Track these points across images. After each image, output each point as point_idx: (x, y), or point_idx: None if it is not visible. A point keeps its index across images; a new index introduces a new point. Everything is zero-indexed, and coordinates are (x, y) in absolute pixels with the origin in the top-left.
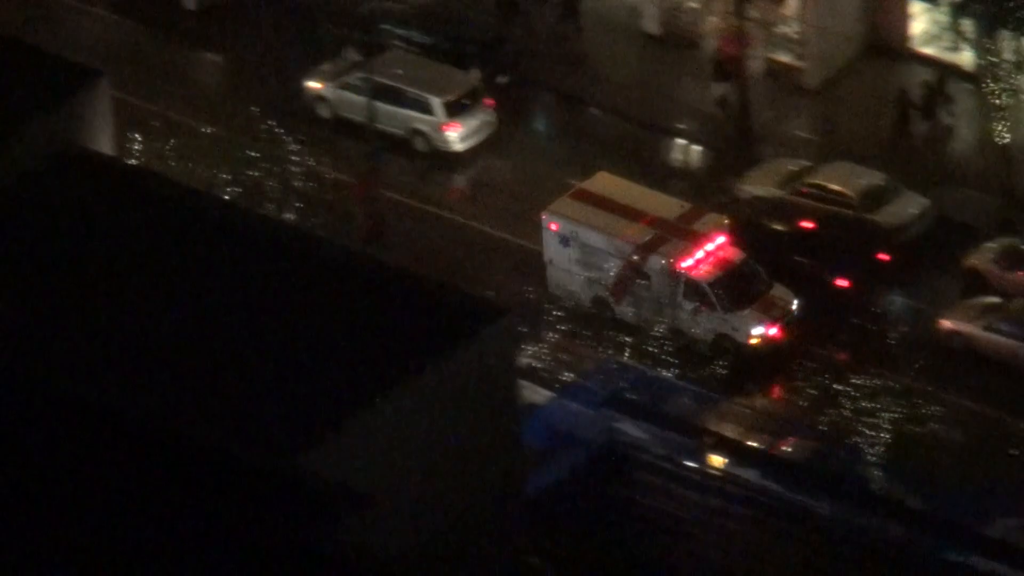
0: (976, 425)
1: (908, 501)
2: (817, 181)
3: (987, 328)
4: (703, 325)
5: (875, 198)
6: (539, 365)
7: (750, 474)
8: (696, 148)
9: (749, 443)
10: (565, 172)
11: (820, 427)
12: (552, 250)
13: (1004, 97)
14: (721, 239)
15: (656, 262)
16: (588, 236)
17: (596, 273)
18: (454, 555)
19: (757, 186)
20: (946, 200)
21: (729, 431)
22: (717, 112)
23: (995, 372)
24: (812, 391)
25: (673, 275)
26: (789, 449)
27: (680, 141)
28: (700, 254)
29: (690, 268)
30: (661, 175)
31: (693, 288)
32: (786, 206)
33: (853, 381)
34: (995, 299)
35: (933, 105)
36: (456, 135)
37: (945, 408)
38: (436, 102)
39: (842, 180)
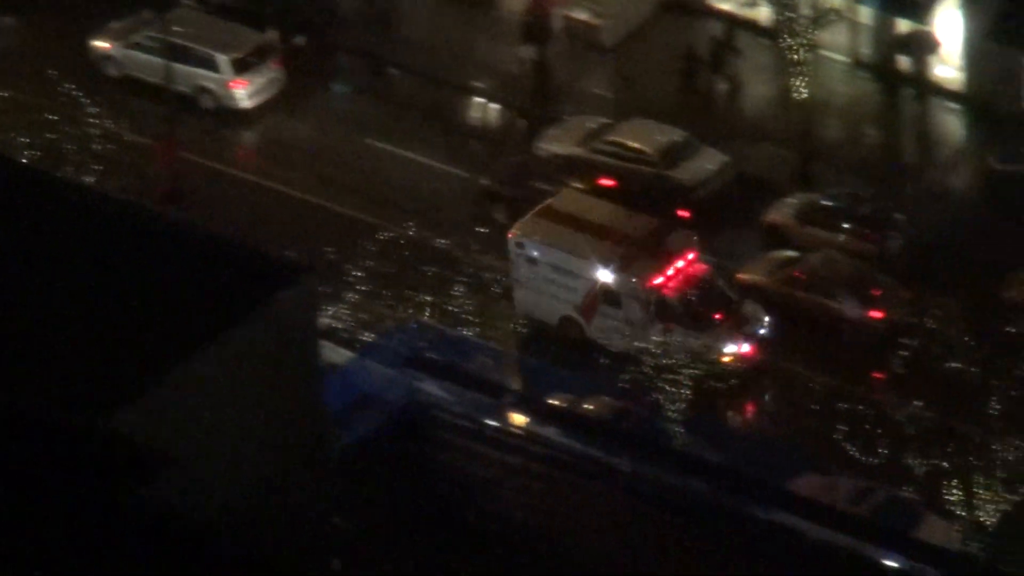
0: (777, 380)
1: (709, 456)
2: (616, 138)
3: (782, 283)
4: (674, 344)
5: (674, 155)
6: (340, 325)
7: (551, 432)
8: (497, 107)
9: (550, 401)
10: (364, 133)
11: (621, 384)
12: (519, 270)
13: (801, 52)
14: (691, 256)
15: (625, 281)
16: (556, 256)
17: (565, 293)
18: (259, 516)
19: (557, 144)
20: (745, 156)
21: (528, 389)
22: (520, 72)
23: (794, 326)
24: (613, 349)
25: (643, 294)
26: (590, 407)
27: (481, 100)
28: (670, 272)
29: (660, 287)
30: (461, 135)
31: (663, 307)
32: (586, 164)
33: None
34: (792, 253)
35: (721, 60)
36: (243, 92)
37: (745, 363)
38: (222, 59)
39: (641, 137)
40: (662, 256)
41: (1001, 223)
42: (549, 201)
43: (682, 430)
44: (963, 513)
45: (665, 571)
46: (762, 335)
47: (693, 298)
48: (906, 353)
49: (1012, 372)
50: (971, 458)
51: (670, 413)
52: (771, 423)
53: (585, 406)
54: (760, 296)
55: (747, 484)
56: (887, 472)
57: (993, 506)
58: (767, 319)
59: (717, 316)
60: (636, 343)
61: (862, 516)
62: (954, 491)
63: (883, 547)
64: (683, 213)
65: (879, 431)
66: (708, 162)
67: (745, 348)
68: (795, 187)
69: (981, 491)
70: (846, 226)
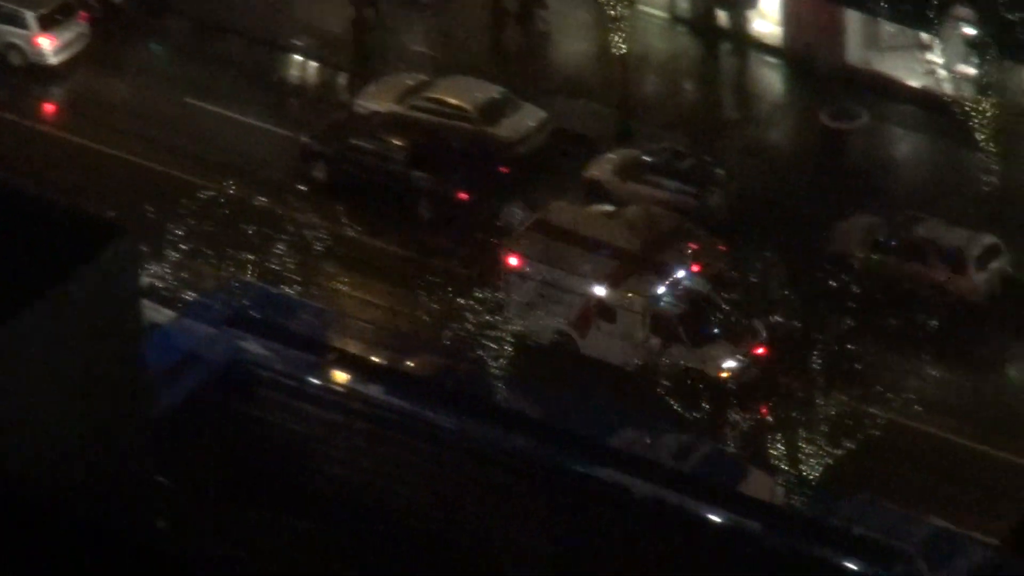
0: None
1: (531, 413)
2: (435, 95)
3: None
4: (670, 360)
5: (493, 111)
6: (161, 284)
7: (374, 390)
8: (316, 66)
9: (373, 359)
10: (183, 91)
11: (444, 341)
12: (511, 284)
13: (619, 8)
14: (687, 270)
15: (621, 296)
16: (549, 270)
17: (558, 308)
18: (82, 476)
19: (376, 101)
20: (564, 112)
21: (352, 347)
22: (341, 30)
23: None
24: (435, 306)
25: (639, 309)
26: (413, 364)
27: (300, 59)
28: (667, 286)
29: (657, 301)
30: (281, 93)
31: (660, 322)
32: (404, 121)
33: (476, 295)
34: (608, 207)
35: (529, 13)
36: (50, 48)
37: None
38: (29, 15)
39: (459, 94)
40: (658, 270)
41: (827, 178)
42: (540, 214)
43: (505, 387)
44: (787, 467)
45: (487, 527)
46: (761, 351)
47: (691, 312)
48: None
49: (835, 326)
50: (794, 412)
51: (493, 370)
52: (593, 379)
53: (408, 363)
54: None
55: (570, 440)
56: (709, 426)
57: (816, 460)
58: (764, 334)
59: (715, 331)
60: (632, 358)
61: (685, 471)
62: (777, 445)
63: (707, 502)
64: (503, 169)
65: (701, 386)
66: (527, 118)
67: (743, 364)
68: (615, 143)
69: (804, 445)
70: (666, 181)
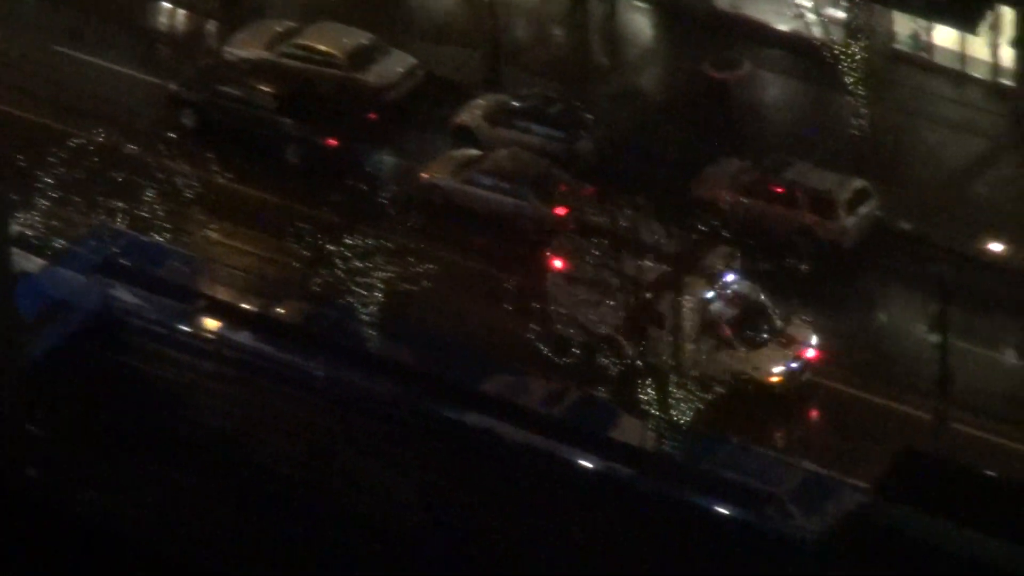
0: (469, 281)
1: (402, 358)
2: (304, 42)
3: (464, 181)
4: (720, 364)
5: (362, 57)
6: (31, 232)
7: (244, 337)
8: (184, 13)
9: (243, 306)
10: (51, 39)
11: (314, 288)
12: (556, 289)
13: None
14: (735, 273)
15: (668, 299)
16: (593, 273)
17: (604, 312)
18: None
19: (245, 48)
20: (433, 58)
21: (222, 295)
22: None
23: (483, 226)
24: (306, 252)
25: (688, 314)
26: (283, 311)
27: (168, 6)
28: (715, 290)
29: (705, 305)
30: (150, 41)
31: (709, 326)
32: (273, 68)
33: (346, 241)
34: (473, 151)
35: None
36: None
37: (437, 265)
38: None
39: (328, 40)
40: (704, 273)
41: (699, 125)
42: (582, 216)
43: (375, 333)
44: (657, 412)
45: (358, 474)
46: (810, 355)
47: (739, 316)
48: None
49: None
50: (664, 358)
51: (363, 316)
52: (465, 324)
53: (278, 310)
54: (444, 194)
55: (440, 386)
56: (580, 372)
57: (687, 405)
58: (815, 339)
59: (764, 335)
60: (680, 362)
61: (556, 417)
62: (647, 391)
63: (577, 447)
64: (372, 116)
65: (571, 331)
66: (396, 64)
67: (795, 368)
68: (485, 88)
69: (675, 390)
70: (535, 127)
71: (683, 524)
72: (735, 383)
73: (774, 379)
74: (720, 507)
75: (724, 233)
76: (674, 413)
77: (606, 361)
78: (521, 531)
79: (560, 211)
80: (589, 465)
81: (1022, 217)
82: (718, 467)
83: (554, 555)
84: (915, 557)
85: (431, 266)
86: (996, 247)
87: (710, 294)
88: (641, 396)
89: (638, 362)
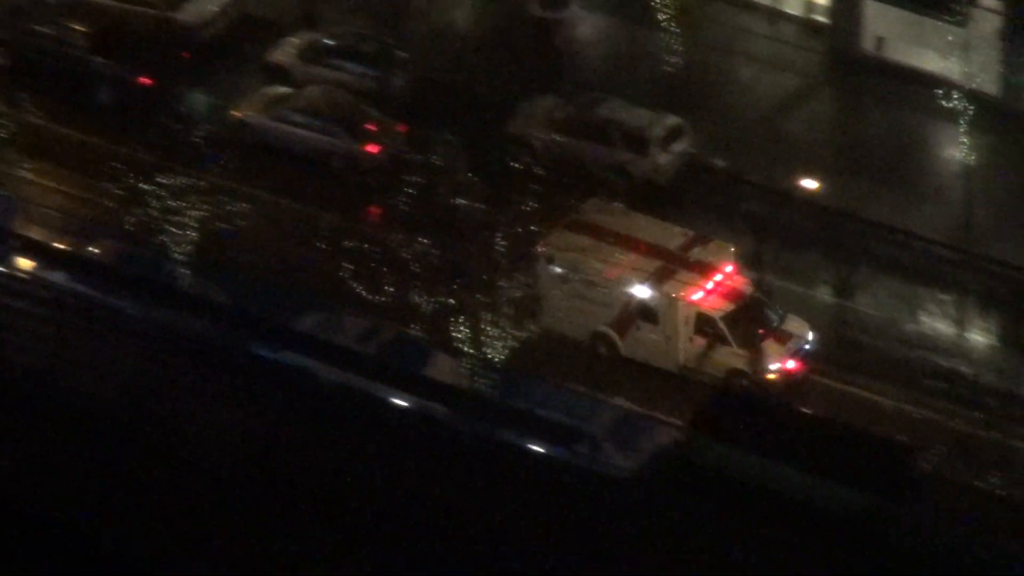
0: (283, 219)
1: (215, 297)
2: None
3: (276, 118)
4: (715, 361)
5: None
6: None
7: (58, 276)
8: None
9: (56, 245)
10: None
11: (127, 227)
12: (547, 284)
13: None
14: (729, 269)
15: (663, 296)
16: (587, 270)
17: (598, 308)
18: None
19: None
20: None
21: (35, 234)
22: None
23: (297, 165)
24: (119, 192)
25: (682, 309)
26: (96, 251)
27: None
28: (709, 286)
29: (700, 301)
30: None
31: (704, 322)
32: (87, 6)
33: (159, 180)
34: (285, 89)
35: None
36: None
37: (251, 204)
38: None
39: None
40: (699, 269)
41: (516, 63)
42: (575, 213)
43: (189, 272)
44: (471, 350)
45: (173, 413)
46: (808, 351)
47: (735, 313)
48: (410, 190)
49: (515, 207)
50: (478, 295)
51: (177, 255)
52: (279, 263)
53: (91, 249)
54: (256, 132)
55: (255, 325)
56: (394, 310)
57: (501, 343)
58: (811, 335)
59: (760, 332)
60: (676, 360)
61: (369, 355)
62: (461, 328)
63: (391, 386)
64: (184, 54)
65: (385, 268)
66: (210, 3)
67: (791, 365)
68: (299, 27)
69: (488, 328)
70: (347, 64)
71: (497, 462)
72: (731, 380)
73: (771, 376)
74: (534, 445)
75: (538, 171)
76: (488, 351)
77: (420, 300)
78: (335, 468)
79: (371, 149)
80: (403, 403)
81: (834, 154)
82: (532, 405)
83: (368, 491)
84: (730, 493)
85: (245, 205)
86: (809, 184)
87: (709, 287)
88: (455, 335)
89: (451, 301)
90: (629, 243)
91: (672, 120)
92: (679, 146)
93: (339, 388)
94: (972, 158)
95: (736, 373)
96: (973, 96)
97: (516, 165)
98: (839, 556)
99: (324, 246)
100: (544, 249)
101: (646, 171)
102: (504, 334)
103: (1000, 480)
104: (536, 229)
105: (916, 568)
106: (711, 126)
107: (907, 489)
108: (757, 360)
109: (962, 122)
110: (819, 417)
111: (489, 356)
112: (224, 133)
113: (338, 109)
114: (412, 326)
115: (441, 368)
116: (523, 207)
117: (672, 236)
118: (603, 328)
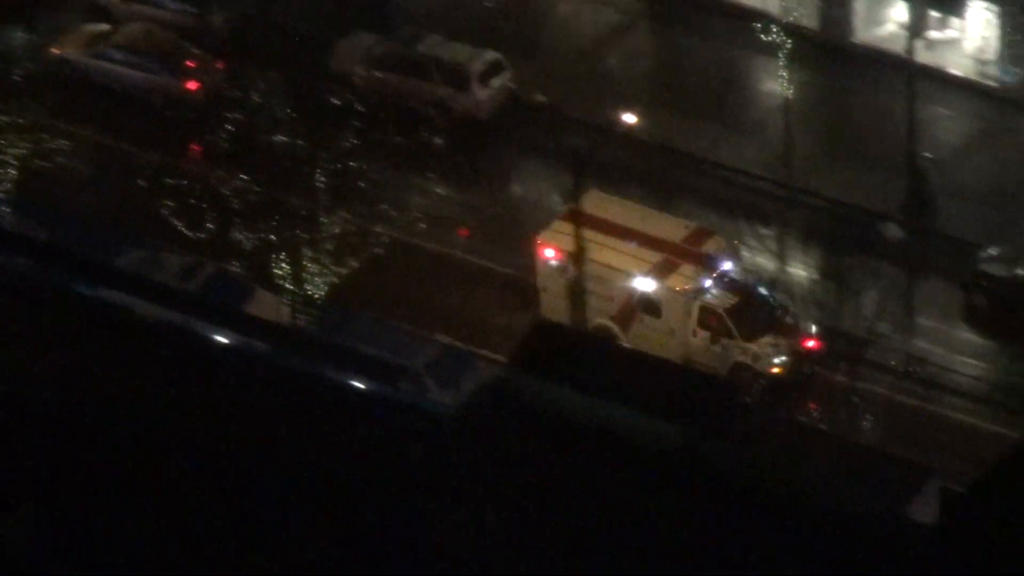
0: (103, 157)
1: (37, 235)
2: None
3: (95, 55)
4: (718, 355)
5: None
6: None
7: None
8: None
9: None
10: None
11: None
12: (547, 277)
13: None
14: (731, 263)
15: (666, 289)
16: (588, 262)
17: (598, 301)
18: None
19: None
20: None
21: None
22: None
23: (117, 102)
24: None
25: (685, 302)
26: None
27: None
28: (712, 278)
29: (702, 294)
30: None
31: (708, 316)
32: None
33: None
34: (104, 26)
35: None
36: None
37: (71, 141)
38: None
39: None
40: (701, 262)
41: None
42: (575, 204)
43: (8, 209)
44: (292, 287)
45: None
46: (811, 343)
47: (737, 306)
48: (231, 127)
49: (336, 144)
50: (299, 232)
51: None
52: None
53: None
54: (75, 69)
55: (74, 261)
56: (214, 247)
57: (322, 279)
58: (814, 328)
59: (763, 325)
60: (679, 354)
61: (190, 292)
62: (282, 265)
63: (212, 323)
64: None
65: (205, 206)
66: None
67: (795, 359)
68: None
69: (309, 264)
70: (167, 2)
71: (318, 398)
72: (735, 375)
73: (775, 370)
74: (355, 382)
75: (358, 107)
76: (308, 288)
77: (241, 236)
78: (155, 406)
79: (191, 85)
80: (224, 340)
81: (655, 89)
82: (353, 341)
83: (187, 429)
84: (550, 428)
85: (65, 142)
86: (629, 118)
87: (708, 283)
88: (276, 271)
89: (272, 237)
90: (629, 235)
91: (492, 55)
92: (499, 81)
93: (158, 324)
94: (791, 92)
95: (741, 367)
96: (791, 29)
97: (336, 102)
98: (659, 488)
99: (144, 183)
100: (542, 240)
101: (466, 107)
102: (325, 270)
103: (818, 413)
104: (357, 166)
105: (736, 497)
106: (531, 62)
107: (726, 423)
108: (761, 354)
109: (781, 56)
110: (641, 353)
111: (310, 293)
112: (43, 71)
113: (158, 46)
114: (233, 263)
115: (262, 304)
116: (344, 143)
117: (673, 229)
118: (604, 321)
